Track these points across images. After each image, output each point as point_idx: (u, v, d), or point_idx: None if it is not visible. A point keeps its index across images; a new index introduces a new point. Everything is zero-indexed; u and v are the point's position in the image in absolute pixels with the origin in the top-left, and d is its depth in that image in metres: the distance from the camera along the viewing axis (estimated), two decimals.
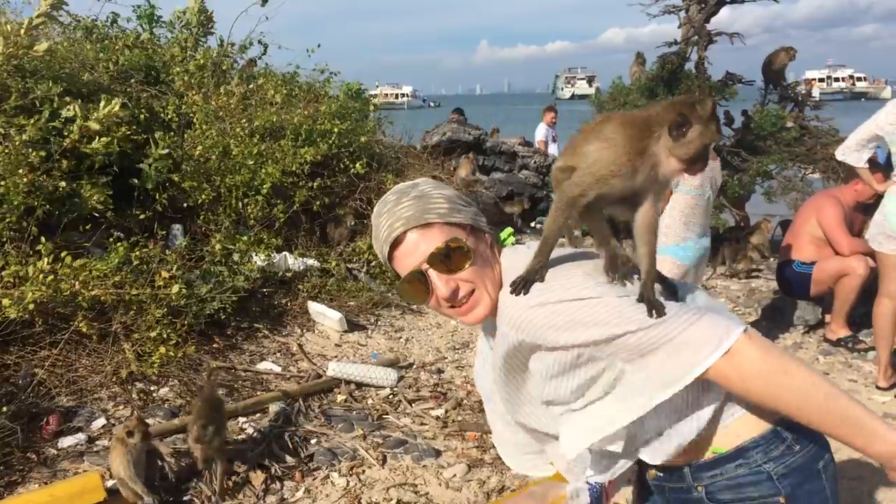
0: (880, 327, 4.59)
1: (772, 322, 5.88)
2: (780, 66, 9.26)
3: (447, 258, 1.50)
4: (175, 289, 4.44)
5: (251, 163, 6.01)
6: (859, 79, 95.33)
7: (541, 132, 11.55)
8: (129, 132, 5.24)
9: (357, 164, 6.79)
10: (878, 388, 4.62)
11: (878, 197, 4.65)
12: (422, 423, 4.15)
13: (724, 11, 9.86)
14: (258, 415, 4.05)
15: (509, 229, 7.73)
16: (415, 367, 4.95)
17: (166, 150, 5.50)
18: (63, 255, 4.23)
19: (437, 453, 3.79)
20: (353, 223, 6.70)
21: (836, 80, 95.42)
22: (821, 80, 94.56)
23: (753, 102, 9.57)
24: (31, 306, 3.93)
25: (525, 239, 8.98)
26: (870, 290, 5.23)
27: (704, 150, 1.39)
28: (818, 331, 5.68)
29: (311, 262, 6.06)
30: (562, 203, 1.44)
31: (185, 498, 3.25)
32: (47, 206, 4.62)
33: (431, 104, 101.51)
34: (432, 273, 1.51)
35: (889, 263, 4.47)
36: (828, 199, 5.47)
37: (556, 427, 1.54)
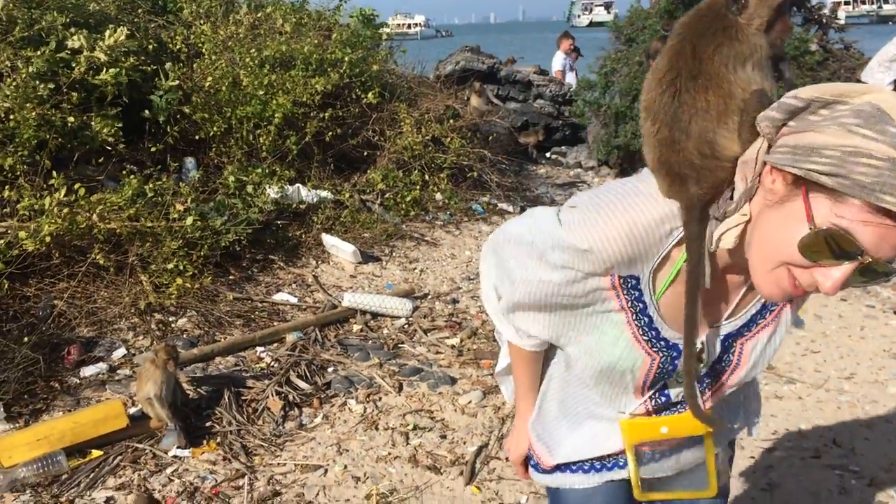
0: None
1: None
2: None
3: None
4: (189, 221, 4.45)
5: (262, 93, 5.94)
6: (886, 1, 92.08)
7: (558, 61, 11.28)
8: (137, 63, 5.17)
9: (369, 94, 6.68)
10: (895, 313, 4.60)
11: None
12: (437, 352, 4.18)
13: None
14: (275, 344, 4.10)
15: None
16: (430, 297, 4.96)
17: (176, 82, 5.44)
18: (77, 188, 4.24)
19: (453, 381, 3.84)
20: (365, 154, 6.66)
21: (863, 2, 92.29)
22: (846, 2, 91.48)
23: None
24: (48, 239, 3.96)
25: (540, 169, 8.90)
26: None
27: (775, 10, 1.16)
28: None
29: (324, 193, 6.03)
30: None
31: (206, 424, 3.32)
32: (59, 140, 4.61)
33: (443, 33, 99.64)
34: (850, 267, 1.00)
35: None
36: None
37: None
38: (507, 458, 3.15)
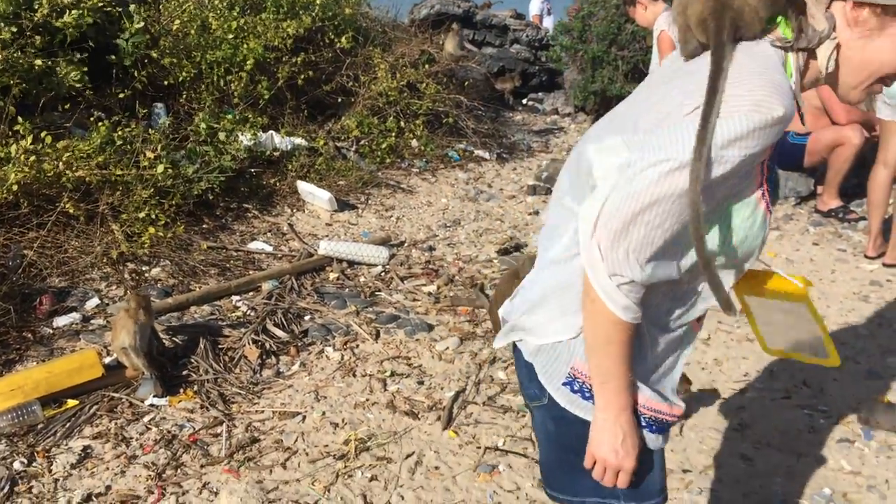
0: (874, 195, 4.59)
1: None
2: None
3: None
4: (160, 169, 4.36)
5: (232, 37, 5.79)
6: None
7: (535, 5, 11.14)
8: (100, 3, 4.99)
9: (342, 39, 6.54)
10: (866, 256, 4.67)
11: None
12: (414, 300, 4.19)
13: None
14: (251, 293, 4.08)
15: None
16: (406, 244, 4.95)
17: (142, 24, 5.27)
18: (43, 135, 4.13)
19: (430, 327, 3.85)
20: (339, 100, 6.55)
21: None
22: None
23: None
24: (15, 188, 3.87)
25: (517, 115, 8.82)
26: (862, 161, 5.21)
27: None
28: (810, 202, 5.68)
29: (298, 141, 5.94)
30: None
31: (183, 373, 3.31)
32: (23, 86, 4.46)
33: None
34: None
35: (889, 130, 4.43)
36: None
37: None
38: (484, 403, 3.19)
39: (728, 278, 1.35)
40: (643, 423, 1.37)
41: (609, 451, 1.33)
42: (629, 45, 8.20)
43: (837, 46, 1.24)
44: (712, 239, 1.26)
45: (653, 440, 1.39)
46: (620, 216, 1.17)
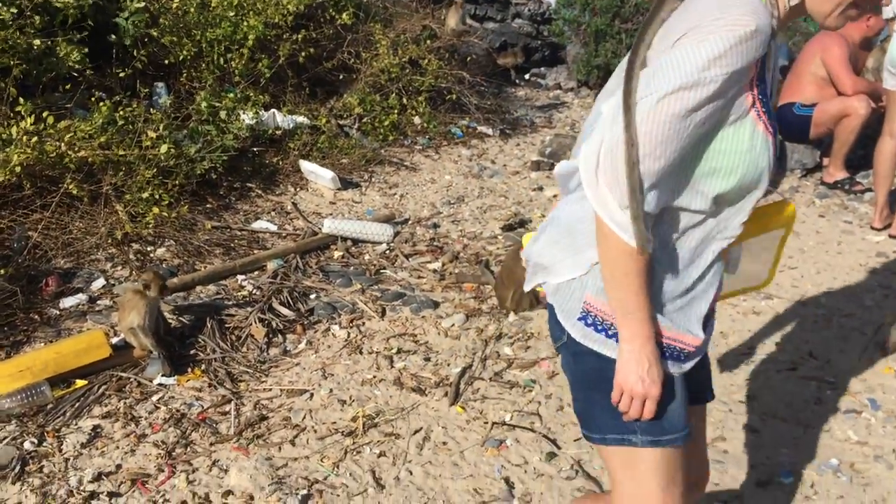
0: (881, 166, 4.56)
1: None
2: None
3: None
4: (163, 149, 4.34)
5: (232, 14, 5.74)
6: None
7: None
8: None
9: (343, 15, 6.47)
10: (872, 228, 4.65)
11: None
12: (419, 277, 4.18)
13: None
14: (256, 272, 4.08)
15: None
16: (410, 222, 4.94)
17: (142, 3, 5.23)
18: (45, 116, 4.11)
19: (435, 304, 3.85)
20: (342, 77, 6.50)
21: None
22: None
23: None
24: (18, 169, 3.86)
25: (520, 91, 8.77)
26: (869, 132, 5.17)
27: None
28: (815, 174, 5.65)
29: (300, 119, 5.91)
30: None
31: (190, 352, 3.32)
32: (24, 66, 4.44)
33: None
34: None
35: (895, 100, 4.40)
36: (834, 37, 5.27)
37: None
38: (490, 378, 3.20)
39: (740, 213, 1.39)
40: (664, 354, 1.42)
41: (636, 379, 1.37)
42: (633, 17, 8.11)
43: None
44: (715, 164, 1.31)
45: (673, 367, 1.44)
46: (619, 151, 1.25)
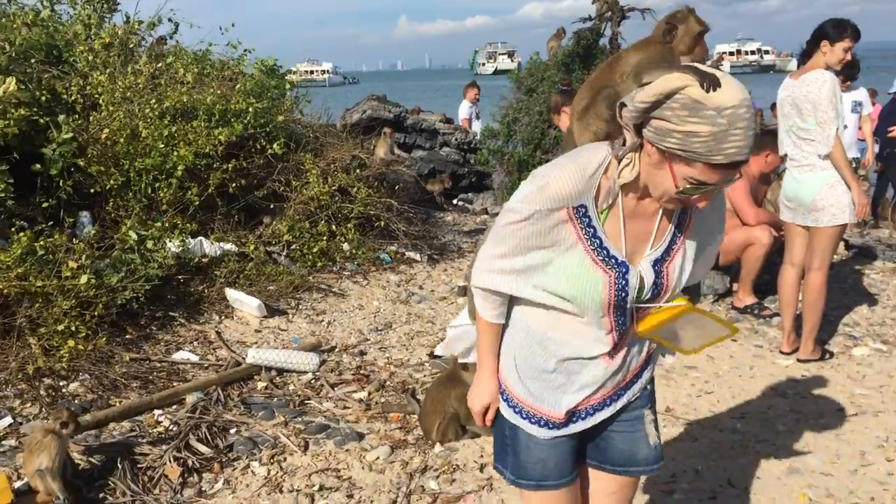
0: (784, 294, 4.82)
1: (682, 292, 6.08)
2: None
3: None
4: (83, 279, 4.28)
5: (162, 145, 5.82)
6: (766, 52, 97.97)
7: (464, 110, 11.57)
8: (28, 114, 4.99)
9: (274, 145, 6.64)
10: (781, 352, 4.85)
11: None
12: (344, 407, 4.14)
13: None
14: (174, 406, 3.97)
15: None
16: (337, 350, 4.92)
17: (70, 134, 5.27)
18: None
19: (360, 436, 3.80)
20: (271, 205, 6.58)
21: (746, 53, 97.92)
22: (731, 53, 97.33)
23: None
24: None
25: (448, 216, 9.02)
26: (774, 258, 5.49)
27: (696, 39, 1.80)
28: (727, 299, 5.91)
29: (228, 246, 5.93)
30: None
31: (99, 496, 3.16)
32: None
33: (351, 80, 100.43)
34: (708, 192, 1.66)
35: (792, 232, 4.70)
36: None
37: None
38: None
39: (598, 329, 1.80)
40: (524, 415, 1.91)
41: (473, 396, 1.99)
42: (553, 149, 8.56)
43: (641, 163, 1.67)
44: (552, 277, 1.74)
45: (537, 430, 1.90)
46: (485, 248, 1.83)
